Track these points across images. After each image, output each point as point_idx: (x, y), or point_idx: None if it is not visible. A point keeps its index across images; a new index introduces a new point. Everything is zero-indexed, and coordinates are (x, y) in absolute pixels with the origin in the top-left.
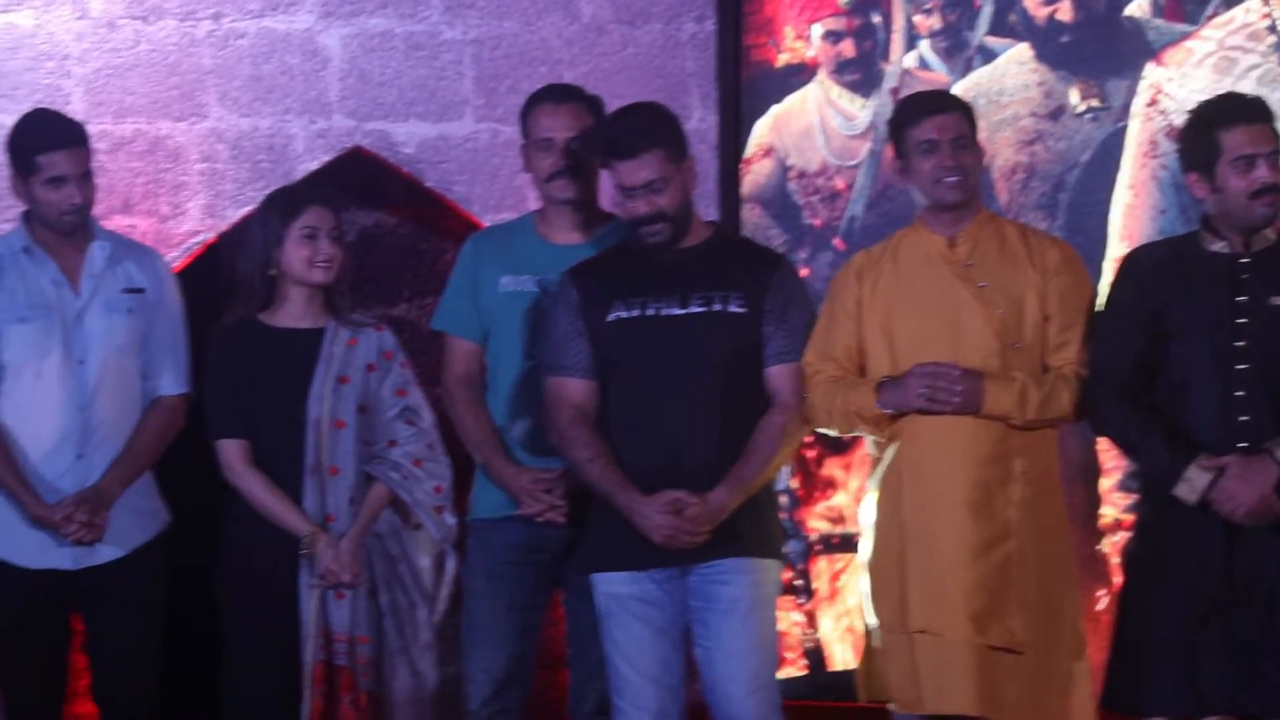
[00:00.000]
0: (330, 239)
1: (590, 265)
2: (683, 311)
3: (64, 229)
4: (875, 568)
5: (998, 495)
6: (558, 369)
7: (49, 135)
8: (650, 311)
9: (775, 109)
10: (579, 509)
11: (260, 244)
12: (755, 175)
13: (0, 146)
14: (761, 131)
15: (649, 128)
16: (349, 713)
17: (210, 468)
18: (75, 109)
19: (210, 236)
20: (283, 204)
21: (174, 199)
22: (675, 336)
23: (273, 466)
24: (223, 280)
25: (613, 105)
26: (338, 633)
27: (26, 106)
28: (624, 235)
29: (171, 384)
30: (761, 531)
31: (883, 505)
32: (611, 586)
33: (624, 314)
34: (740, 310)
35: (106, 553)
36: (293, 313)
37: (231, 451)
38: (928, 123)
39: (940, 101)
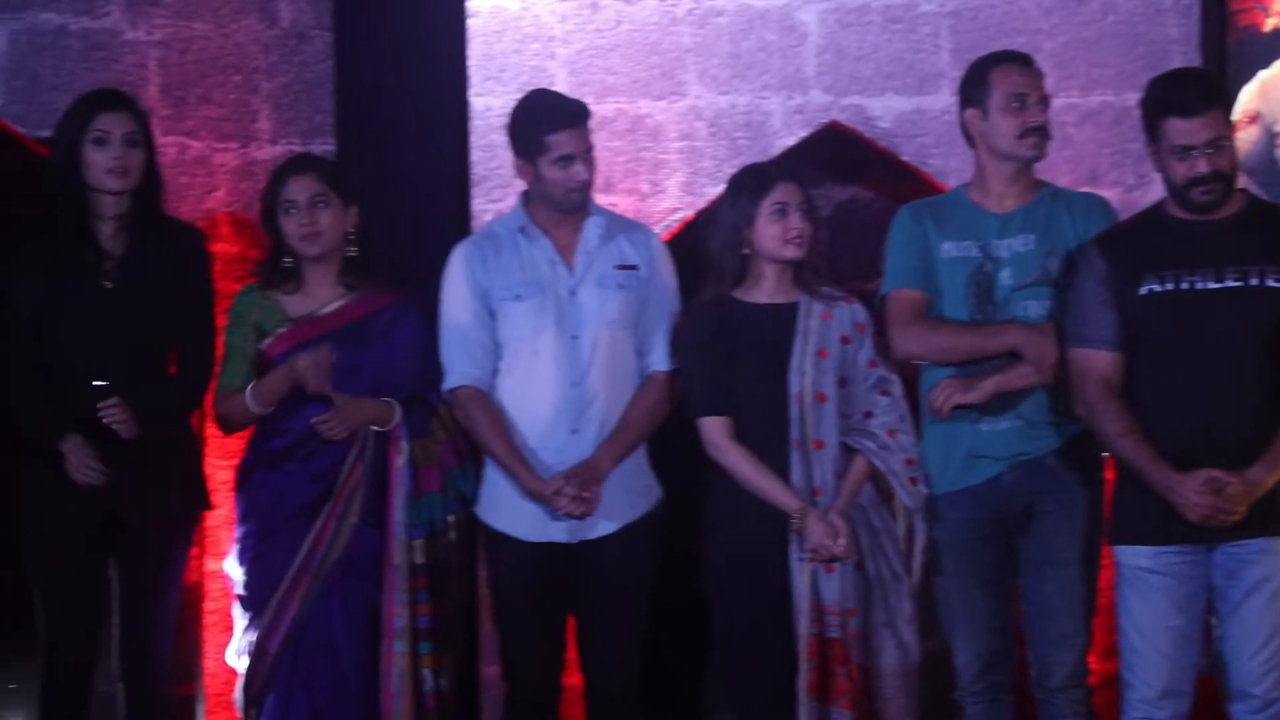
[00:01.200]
0: (800, 213)
1: (1118, 234)
2: (1218, 286)
3: (569, 207)
4: None
5: None
6: (1084, 340)
7: (556, 115)
8: (1184, 285)
9: (1262, 74)
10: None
11: (730, 224)
12: (1241, 142)
13: (486, 129)
14: (1247, 98)
15: (1212, 87)
16: (843, 685)
17: (688, 447)
18: (559, 90)
19: (689, 214)
20: (751, 182)
21: (653, 177)
22: (1210, 312)
23: (756, 442)
24: (700, 258)
25: (1093, 74)
26: (829, 606)
27: (513, 89)
28: (1148, 212)
29: (663, 360)
30: None
31: None
32: (1135, 559)
33: (1156, 287)
34: (1277, 285)
35: (601, 527)
36: (765, 289)
37: (715, 429)
38: None
39: None
